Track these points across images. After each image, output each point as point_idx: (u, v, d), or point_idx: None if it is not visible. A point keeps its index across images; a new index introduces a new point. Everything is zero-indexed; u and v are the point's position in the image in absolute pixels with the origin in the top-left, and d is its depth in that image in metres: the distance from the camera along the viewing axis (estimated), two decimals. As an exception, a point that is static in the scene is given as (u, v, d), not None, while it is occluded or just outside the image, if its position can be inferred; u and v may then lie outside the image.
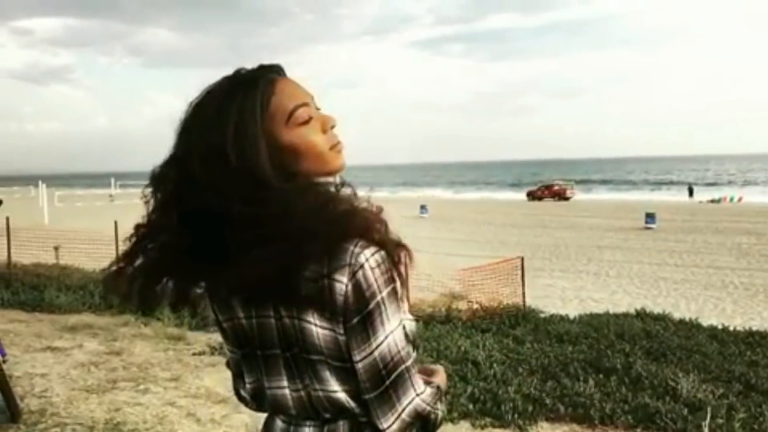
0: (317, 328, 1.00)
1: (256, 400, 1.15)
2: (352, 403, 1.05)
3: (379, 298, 0.99)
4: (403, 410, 1.02)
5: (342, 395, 1.04)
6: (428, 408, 1.06)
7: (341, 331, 1.00)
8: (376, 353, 1.00)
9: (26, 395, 4.28)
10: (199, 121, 1.04)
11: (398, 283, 1.03)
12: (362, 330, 1.00)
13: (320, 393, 1.05)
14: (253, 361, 1.11)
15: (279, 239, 0.97)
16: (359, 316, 0.99)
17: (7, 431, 3.69)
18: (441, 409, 1.10)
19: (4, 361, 3.91)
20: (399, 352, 1.02)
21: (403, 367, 1.02)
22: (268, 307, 1.03)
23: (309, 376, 1.05)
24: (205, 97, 1.06)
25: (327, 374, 1.04)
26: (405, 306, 1.07)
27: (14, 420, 3.79)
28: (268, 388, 1.10)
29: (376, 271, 0.99)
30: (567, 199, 49.38)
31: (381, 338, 1.00)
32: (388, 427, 1.02)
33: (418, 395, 1.04)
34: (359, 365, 1.01)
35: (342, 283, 0.97)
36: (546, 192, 51.62)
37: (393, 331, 1.01)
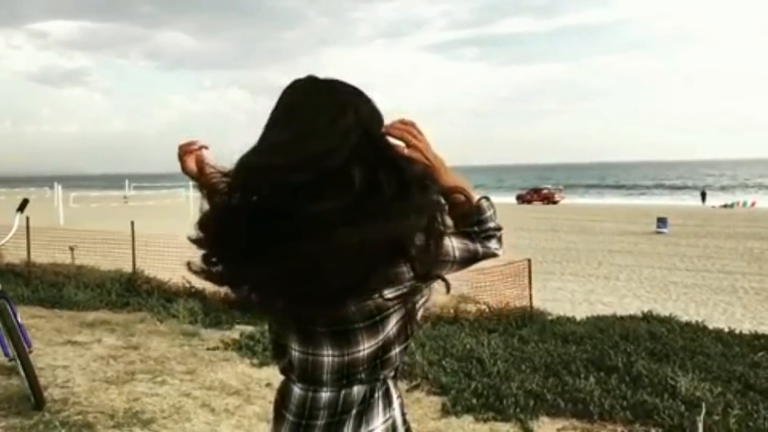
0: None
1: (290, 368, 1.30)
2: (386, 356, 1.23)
3: None
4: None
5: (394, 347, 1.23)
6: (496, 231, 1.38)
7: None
8: (458, 257, 1.27)
9: (49, 385, 4.48)
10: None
11: None
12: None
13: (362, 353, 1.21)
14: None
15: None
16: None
17: (33, 418, 3.89)
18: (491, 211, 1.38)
19: (29, 352, 4.10)
20: (467, 247, 1.29)
21: (474, 248, 1.31)
22: None
23: (353, 342, 1.21)
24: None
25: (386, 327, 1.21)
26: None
27: (39, 408, 4.00)
28: (311, 355, 1.24)
29: None
30: (555, 202, 51.16)
31: (450, 247, 1.25)
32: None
33: (493, 250, 1.34)
34: (458, 254, 1.28)
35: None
36: (535, 196, 53.43)
37: (451, 240, 1.26)
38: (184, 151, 1.45)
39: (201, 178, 1.39)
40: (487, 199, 1.37)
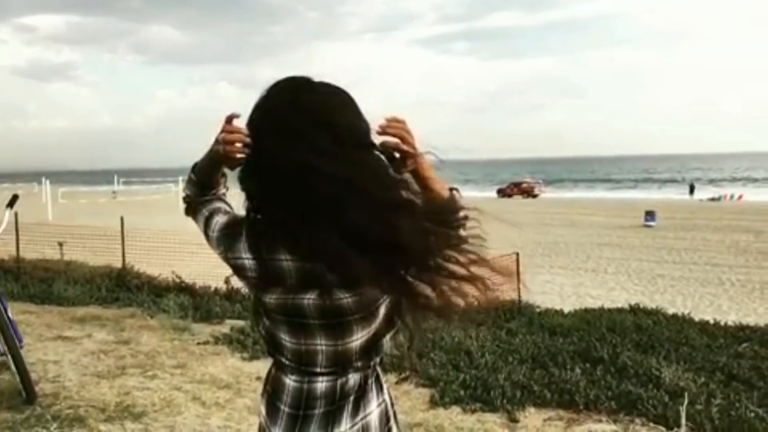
0: None
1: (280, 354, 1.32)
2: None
3: None
4: None
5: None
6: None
7: None
8: None
9: (40, 380, 4.51)
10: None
11: None
12: None
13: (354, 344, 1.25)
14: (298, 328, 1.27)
15: None
16: None
17: (24, 412, 3.92)
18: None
19: (20, 348, 4.12)
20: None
21: None
22: None
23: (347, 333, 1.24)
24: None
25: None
26: None
27: (30, 402, 4.02)
28: (304, 345, 1.26)
29: None
30: (535, 196, 51.65)
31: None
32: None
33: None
34: None
35: None
36: (515, 189, 54.03)
37: None
38: (234, 144, 1.27)
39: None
40: (457, 190, 1.39)
